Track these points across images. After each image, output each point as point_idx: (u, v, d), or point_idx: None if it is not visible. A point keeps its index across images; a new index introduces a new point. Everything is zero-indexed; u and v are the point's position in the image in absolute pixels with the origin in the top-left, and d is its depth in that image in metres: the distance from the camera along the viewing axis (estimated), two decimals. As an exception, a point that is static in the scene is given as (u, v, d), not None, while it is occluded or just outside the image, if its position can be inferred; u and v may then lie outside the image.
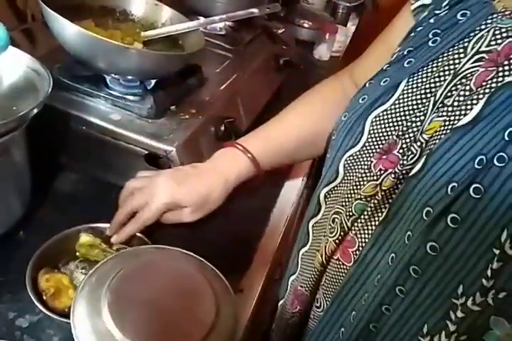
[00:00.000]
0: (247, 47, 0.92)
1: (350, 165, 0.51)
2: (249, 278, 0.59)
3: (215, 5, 0.85)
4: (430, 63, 0.47)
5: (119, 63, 0.57)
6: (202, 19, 0.69)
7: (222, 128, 0.70)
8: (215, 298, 0.37)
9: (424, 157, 0.40)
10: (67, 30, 0.54)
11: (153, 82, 0.66)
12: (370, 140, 0.49)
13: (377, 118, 0.49)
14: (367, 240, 0.47)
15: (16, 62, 0.50)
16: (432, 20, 0.50)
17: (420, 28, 0.51)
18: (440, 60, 0.47)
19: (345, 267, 0.49)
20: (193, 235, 0.58)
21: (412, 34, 0.52)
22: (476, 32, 0.44)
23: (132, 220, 0.53)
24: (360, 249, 0.47)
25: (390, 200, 0.44)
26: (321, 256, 0.51)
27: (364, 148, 0.49)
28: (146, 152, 0.58)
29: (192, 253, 0.42)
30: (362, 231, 0.47)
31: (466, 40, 0.45)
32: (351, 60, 1.62)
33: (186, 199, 0.55)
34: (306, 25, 1.29)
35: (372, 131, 0.49)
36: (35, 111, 0.45)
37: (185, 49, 0.70)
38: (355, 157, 0.50)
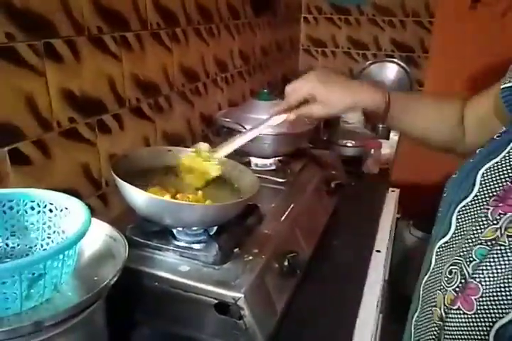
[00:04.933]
0: (297, 178, 0.97)
1: (464, 215, 0.53)
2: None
3: (263, 147, 0.93)
4: None
5: (185, 218, 0.63)
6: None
7: (286, 263, 0.71)
8: None
9: None
10: (138, 197, 0.61)
11: (215, 227, 0.70)
12: (482, 189, 0.51)
13: (489, 170, 0.51)
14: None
15: (96, 232, 0.56)
16: None
17: None
18: None
19: (466, 316, 0.47)
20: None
21: None
22: None
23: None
24: (485, 295, 0.45)
25: None
26: (440, 308, 0.51)
27: (476, 198, 0.52)
28: (216, 301, 0.59)
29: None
30: (487, 279, 0.46)
31: None
32: (402, 168, 1.65)
33: (321, 96, 0.69)
34: (349, 145, 1.36)
35: (484, 181, 0.51)
36: (115, 279, 0.48)
37: (242, 192, 0.75)
38: (468, 207, 0.52)
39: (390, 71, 1.80)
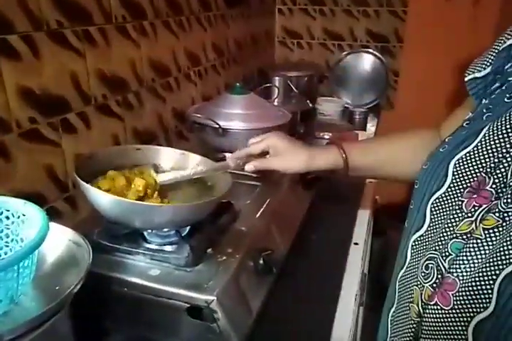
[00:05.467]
0: (273, 172, 0.95)
1: (438, 207, 0.52)
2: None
3: (237, 142, 0.91)
4: (509, 110, 0.49)
5: (153, 220, 0.60)
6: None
7: (261, 262, 0.69)
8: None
9: None
10: (101, 199, 0.58)
11: (187, 228, 0.68)
12: (455, 180, 0.50)
13: (461, 160, 0.50)
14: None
15: (58, 238, 0.53)
16: (504, 87, 0.54)
17: (494, 95, 0.54)
18: None
19: (443, 311, 0.46)
20: None
21: (486, 101, 0.55)
22: None
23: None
24: (461, 290, 0.44)
25: (494, 238, 0.43)
26: (417, 304, 0.50)
27: (450, 189, 0.51)
28: (188, 305, 0.57)
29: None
30: (465, 273, 0.45)
31: None
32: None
33: (279, 149, 0.74)
34: (326, 137, 1.35)
35: (456, 172, 0.50)
36: (78, 287, 0.46)
37: (215, 189, 0.73)
38: (442, 199, 0.51)
39: (366, 62, 1.79)
